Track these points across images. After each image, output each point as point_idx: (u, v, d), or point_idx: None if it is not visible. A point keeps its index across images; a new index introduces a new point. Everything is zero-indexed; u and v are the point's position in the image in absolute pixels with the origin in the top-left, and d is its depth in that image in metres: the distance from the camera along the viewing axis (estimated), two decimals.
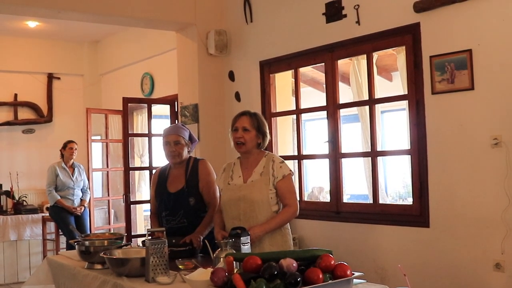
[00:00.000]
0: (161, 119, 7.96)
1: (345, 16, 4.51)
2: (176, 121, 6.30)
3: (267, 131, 3.29)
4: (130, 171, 6.33)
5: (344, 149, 4.70)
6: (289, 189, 3.19)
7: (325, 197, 6.91)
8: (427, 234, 3.97)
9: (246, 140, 3.19)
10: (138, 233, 7.12)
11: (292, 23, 5.00)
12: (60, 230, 6.99)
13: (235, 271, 2.23)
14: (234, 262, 2.28)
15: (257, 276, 2.13)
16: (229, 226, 3.15)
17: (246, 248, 2.79)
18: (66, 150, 6.99)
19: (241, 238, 2.79)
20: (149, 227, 3.98)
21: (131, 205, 6.29)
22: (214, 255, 2.69)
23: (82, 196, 7.07)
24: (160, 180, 3.68)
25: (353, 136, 6.44)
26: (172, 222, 3.52)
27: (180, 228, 3.49)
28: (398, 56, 5.18)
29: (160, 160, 7.03)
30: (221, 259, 2.58)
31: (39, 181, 7.83)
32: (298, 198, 3.35)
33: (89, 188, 7.21)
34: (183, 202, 3.51)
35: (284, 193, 3.17)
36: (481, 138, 3.65)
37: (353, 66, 5.45)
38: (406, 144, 4.31)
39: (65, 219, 6.73)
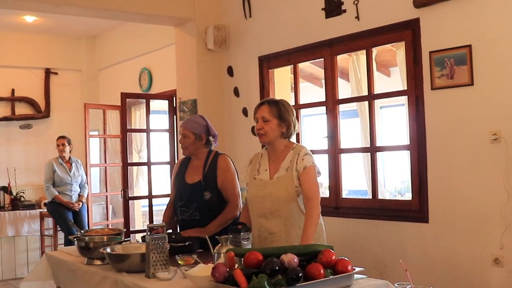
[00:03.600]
0: (159, 115, 7.94)
1: (344, 11, 4.50)
2: (175, 116, 6.28)
3: (292, 118, 3.07)
4: (128, 167, 6.31)
5: (343, 145, 4.70)
6: (309, 181, 2.95)
7: (324, 193, 6.89)
8: (426, 230, 3.98)
9: (266, 131, 3.02)
10: (137, 228, 7.12)
11: (291, 18, 4.99)
12: (58, 226, 6.98)
13: (236, 267, 2.23)
14: (235, 257, 2.28)
15: (258, 272, 2.13)
16: (255, 224, 3.06)
17: (246, 244, 2.78)
18: (56, 146, 7.00)
19: (241, 233, 2.79)
20: (149, 223, 3.97)
21: (129, 201, 6.27)
22: (215, 250, 2.68)
23: (80, 192, 7.05)
24: (180, 170, 3.68)
25: (352, 132, 6.44)
26: (185, 214, 3.51)
27: (191, 221, 3.47)
28: (397, 51, 5.18)
29: (158, 155, 7.04)
30: (222, 254, 2.57)
31: (36, 176, 7.81)
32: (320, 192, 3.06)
33: (87, 184, 7.20)
34: (197, 195, 3.47)
35: (304, 186, 2.94)
36: (480, 133, 3.65)
37: (352, 62, 5.45)
38: (405, 140, 4.32)
39: (63, 214, 6.71)
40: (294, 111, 3.17)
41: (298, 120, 3.27)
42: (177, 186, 3.63)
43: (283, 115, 3.04)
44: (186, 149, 3.58)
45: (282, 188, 2.98)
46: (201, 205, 3.46)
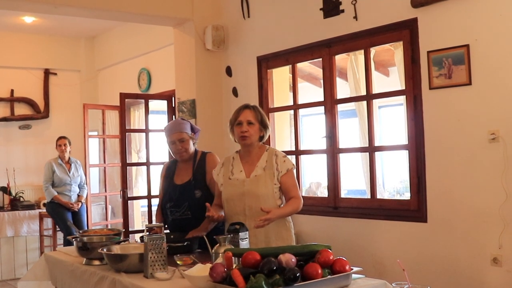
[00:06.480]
0: (158, 115, 7.93)
1: (342, 11, 4.50)
2: (174, 116, 6.28)
3: (268, 123, 3.29)
4: (128, 167, 6.32)
5: (341, 145, 4.70)
6: (293, 183, 3.20)
7: (323, 192, 6.91)
8: (424, 229, 3.98)
9: (251, 134, 3.18)
10: (136, 229, 7.12)
11: (290, 18, 5.00)
12: (57, 226, 6.99)
13: (234, 267, 2.24)
14: (233, 257, 2.28)
15: (256, 272, 2.13)
16: (232, 222, 3.11)
17: (244, 244, 2.78)
18: (56, 147, 7.01)
19: (240, 233, 2.79)
20: (148, 223, 3.96)
21: (129, 201, 6.27)
22: (213, 250, 2.69)
23: (79, 192, 7.06)
24: (167, 173, 3.69)
25: (350, 132, 6.44)
26: (176, 214, 3.52)
27: (183, 220, 3.49)
28: (395, 51, 5.18)
29: (158, 155, 7.04)
30: (220, 254, 2.57)
31: (36, 177, 7.82)
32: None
33: (86, 184, 7.20)
34: (188, 194, 3.50)
35: (288, 187, 3.17)
36: (478, 133, 3.65)
37: (350, 62, 5.45)
38: (403, 139, 4.32)
39: (62, 215, 6.72)
40: None
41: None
42: (165, 189, 3.64)
43: (264, 120, 3.24)
44: (186, 152, 3.56)
45: (261, 185, 3.14)
46: (193, 204, 3.48)
